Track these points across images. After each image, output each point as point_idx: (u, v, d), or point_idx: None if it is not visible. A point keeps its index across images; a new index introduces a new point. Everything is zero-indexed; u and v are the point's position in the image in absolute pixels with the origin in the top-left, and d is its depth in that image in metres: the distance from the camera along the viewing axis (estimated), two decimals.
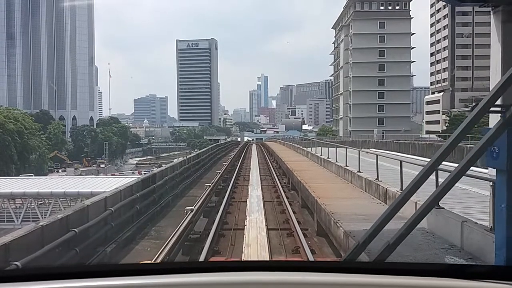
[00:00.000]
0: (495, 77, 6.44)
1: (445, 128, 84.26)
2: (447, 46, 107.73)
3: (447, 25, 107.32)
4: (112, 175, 71.45)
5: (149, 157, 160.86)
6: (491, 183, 8.99)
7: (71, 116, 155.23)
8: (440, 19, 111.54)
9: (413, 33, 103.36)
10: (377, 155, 14.09)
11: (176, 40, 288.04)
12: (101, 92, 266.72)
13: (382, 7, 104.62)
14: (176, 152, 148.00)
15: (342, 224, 8.96)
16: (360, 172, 14.75)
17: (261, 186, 19.52)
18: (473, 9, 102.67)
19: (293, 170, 20.49)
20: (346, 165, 16.89)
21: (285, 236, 11.50)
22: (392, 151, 38.79)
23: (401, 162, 10.90)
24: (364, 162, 15.67)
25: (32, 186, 37.09)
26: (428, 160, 2.12)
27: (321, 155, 23.76)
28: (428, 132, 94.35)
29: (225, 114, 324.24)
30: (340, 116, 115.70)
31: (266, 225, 11.04)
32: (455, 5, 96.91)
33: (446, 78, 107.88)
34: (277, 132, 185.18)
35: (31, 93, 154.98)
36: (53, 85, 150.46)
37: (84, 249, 8.85)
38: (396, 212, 1.92)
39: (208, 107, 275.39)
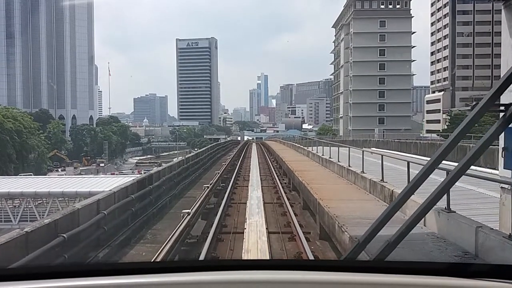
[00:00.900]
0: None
1: (445, 127, 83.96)
2: (447, 45, 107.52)
3: (447, 24, 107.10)
4: (111, 174, 71.12)
5: (149, 156, 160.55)
6: (501, 185, 8.63)
7: (70, 115, 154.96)
8: (440, 18, 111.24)
9: (414, 32, 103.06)
10: (382, 155, 13.58)
11: (176, 39, 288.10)
12: (101, 91, 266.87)
13: (382, 6, 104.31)
14: (176, 151, 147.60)
15: (347, 229, 8.48)
16: (364, 172, 14.27)
17: (261, 186, 19.04)
18: (473, 8, 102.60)
19: (294, 170, 20.02)
20: (349, 165, 16.41)
21: (286, 241, 11.01)
22: (393, 150, 38.33)
23: (408, 162, 10.40)
24: (366, 162, 15.19)
25: (30, 186, 36.67)
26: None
27: (323, 154, 23.30)
28: (428, 131, 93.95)
29: (225, 113, 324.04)
30: (341, 115, 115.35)
31: (266, 228, 10.57)
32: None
33: (447, 77, 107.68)
34: (277, 131, 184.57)
35: (30, 92, 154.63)
36: (52, 84, 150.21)
37: (74, 255, 8.35)
38: (396, 211, 1.90)
39: (208, 106, 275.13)
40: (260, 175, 24.03)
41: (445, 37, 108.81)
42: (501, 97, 1.91)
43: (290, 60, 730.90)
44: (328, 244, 10.49)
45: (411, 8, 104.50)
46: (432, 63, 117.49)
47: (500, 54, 9.96)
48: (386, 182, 11.92)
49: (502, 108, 1.96)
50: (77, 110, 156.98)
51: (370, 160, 16.60)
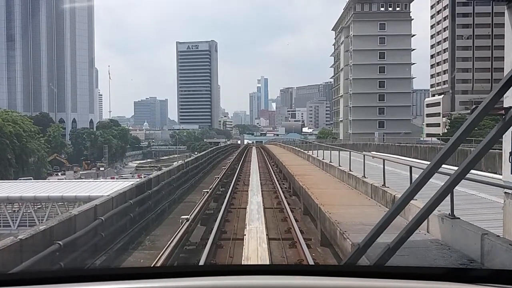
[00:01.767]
0: None
1: (445, 130, 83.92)
2: (447, 48, 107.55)
3: (447, 26, 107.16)
4: (111, 178, 70.91)
5: (149, 160, 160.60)
6: (505, 191, 8.48)
7: (70, 118, 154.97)
8: (440, 20, 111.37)
9: (414, 35, 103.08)
10: (383, 160, 13.41)
11: (176, 42, 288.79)
12: (101, 95, 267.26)
13: (382, 9, 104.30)
14: (176, 155, 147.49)
15: (349, 236, 8.31)
16: (365, 177, 14.10)
17: (262, 191, 18.87)
18: (473, 10, 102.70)
19: (294, 175, 19.85)
20: (350, 170, 16.24)
21: (287, 247, 10.83)
22: (394, 154, 38.17)
23: (410, 167, 10.23)
24: (366, 166, 15.02)
25: (30, 190, 36.52)
26: None
27: (323, 158, 23.14)
28: (428, 135, 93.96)
29: (225, 116, 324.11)
30: (341, 119, 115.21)
31: (266, 235, 10.40)
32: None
33: (447, 80, 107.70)
34: (277, 135, 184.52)
35: (31, 96, 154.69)
36: (53, 87, 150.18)
37: (70, 262, 8.18)
38: (396, 216, 1.89)
39: (208, 110, 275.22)
40: (260, 180, 23.87)
41: (445, 40, 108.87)
42: (500, 100, 1.91)
43: (290, 63, 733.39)
44: (330, 250, 10.32)
45: (411, 10, 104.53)
46: (432, 66, 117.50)
47: (501, 57, 9.77)
48: (388, 187, 11.75)
49: (502, 111, 1.96)
50: (77, 114, 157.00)
51: (371, 164, 16.44)
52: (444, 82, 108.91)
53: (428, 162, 2.04)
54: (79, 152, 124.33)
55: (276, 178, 25.84)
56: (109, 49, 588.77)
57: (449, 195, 6.98)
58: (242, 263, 8.19)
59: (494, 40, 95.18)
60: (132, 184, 14.34)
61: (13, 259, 6.68)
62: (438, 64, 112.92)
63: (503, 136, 6.76)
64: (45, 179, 69.12)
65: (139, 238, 12.58)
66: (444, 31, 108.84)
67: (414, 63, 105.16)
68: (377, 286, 1.38)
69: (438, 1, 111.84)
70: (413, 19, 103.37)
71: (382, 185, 11.97)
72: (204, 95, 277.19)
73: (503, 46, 8.42)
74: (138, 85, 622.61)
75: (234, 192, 20.72)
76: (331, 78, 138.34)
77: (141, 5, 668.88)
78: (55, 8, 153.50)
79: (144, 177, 29.42)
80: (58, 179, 72.58)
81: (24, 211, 35.63)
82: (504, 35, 8.39)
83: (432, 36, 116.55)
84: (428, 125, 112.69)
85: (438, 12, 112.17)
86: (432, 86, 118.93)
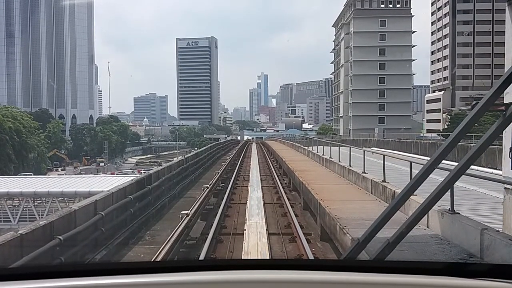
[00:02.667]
0: None
1: (445, 126, 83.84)
2: (448, 45, 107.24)
3: (448, 23, 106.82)
4: (111, 174, 70.97)
5: (149, 155, 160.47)
6: (505, 186, 8.49)
7: (70, 114, 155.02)
8: (441, 17, 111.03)
9: (414, 31, 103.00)
10: (384, 155, 13.42)
11: (176, 38, 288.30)
12: (101, 91, 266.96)
13: (382, 5, 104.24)
14: (176, 151, 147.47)
15: (349, 230, 8.32)
16: (365, 172, 14.10)
17: (261, 187, 18.87)
18: (474, 7, 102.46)
19: (294, 170, 19.87)
20: (350, 165, 16.25)
21: (287, 242, 10.85)
22: (394, 150, 38.20)
23: (410, 163, 10.24)
24: (366, 162, 15.03)
25: (30, 186, 36.54)
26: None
27: (323, 154, 23.15)
28: (428, 131, 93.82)
29: (225, 112, 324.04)
30: (341, 115, 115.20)
31: (266, 230, 10.41)
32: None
33: (447, 76, 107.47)
34: (277, 130, 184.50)
35: (30, 92, 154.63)
36: (52, 83, 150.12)
37: (71, 257, 8.20)
38: (396, 211, 1.89)
39: (208, 106, 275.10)
40: (260, 175, 23.86)
41: (445, 36, 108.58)
42: (501, 96, 1.91)
43: (290, 60, 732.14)
44: (329, 245, 10.34)
45: (411, 7, 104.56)
46: (432, 62, 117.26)
47: (501, 53, 9.72)
48: (387, 182, 11.76)
49: (502, 107, 1.96)
50: (77, 110, 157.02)
51: (371, 160, 16.45)
52: (445, 79, 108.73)
53: (428, 158, 2.04)
54: (79, 147, 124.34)
55: (276, 173, 25.83)
56: (109, 45, 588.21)
57: (449, 190, 7.00)
58: (242, 258, 8.22)
59: (495, 36, 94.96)
60: (132, 180, 14.36)
61: (13, 254, 6.69)
62: (438, 60, 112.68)
63: (503, 132, 6.77)
64: (45, 175, 69.21)
65: (139, 233, 12.61)
66: (445, 27, 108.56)
67: (414, 60, 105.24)
68: (377, 280, 1.38)
69: None
70: (413, 15, 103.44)
71: (382, 181, 11.98)
72: (204, 91, 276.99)
73: (504, 42, 8.41)
74: (138, 81, 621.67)
75: (234, 187, 20.72)
76: (331, 74, 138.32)
77: (141, 2, 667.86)
78: (54, 5, 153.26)
79: (144, 172, 29.45)
80: (58, 174, 72.64)
81: (24, 206, 35.65)
82: (504, 31, 8.38)
83: (432, 33, 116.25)
84: (428, 121, 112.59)
85: (439, 9, 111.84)
86: (432, 82, 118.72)
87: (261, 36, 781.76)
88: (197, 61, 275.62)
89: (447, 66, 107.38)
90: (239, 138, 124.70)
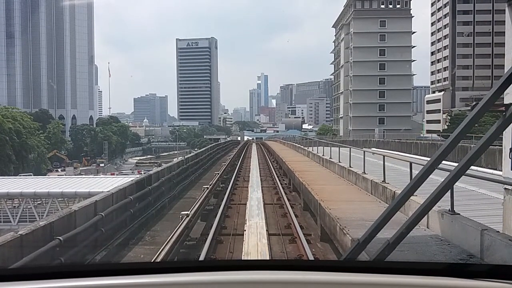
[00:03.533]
0: None
1: (445, 127, 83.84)
2: (448, 45, 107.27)
3: (447, 23, 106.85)
4: (111, 174, 70.91)
5: (149, 156, 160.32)
6: (505, 186, 8.48)
7: (70, 115, 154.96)
8: (441, 17, 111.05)
9: (414, 32, 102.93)
10: (384, 156, 13.41)
11: (176, 39, 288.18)
12: (101, 91, 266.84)
13: (382, 6, 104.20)
14: (176, 152, 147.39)
15: (349, 231, 8.32)
16: (365, 173, 14.10)
17: (262, 187, 18.87)
18: (474, 8, 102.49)
19: (294, 171, 19.86)
20: (350, 166, 16.24)
21: (287, 243, 10.84)
22: (394, 150, 38.17)
23: (410, 163, 10.24)
24: (366, 162, 15.02)
25: (30, 186, 36.52)
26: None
27: (323, 155, 23.14)
28: (428, 132, 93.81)
29: (225, 113, 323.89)
30: (341, 115, 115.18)
31: (266, 230, 10.40)
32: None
33: (447, 77, 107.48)
34: (277, 131, 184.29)
35: (30, 92, 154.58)
36: (52, 84, 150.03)
37: (71, 257, 8.20)
38: (396, 212, 1.89)
39: (208, 106, 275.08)
40: (260, 176, 23.86)
41: (445, 37, 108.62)
42: (501, 97, 1.91)
43: (290, 60, 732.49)
44: (329, 246, 10.33)
45: (411, 8, 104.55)
46: (432, 63, 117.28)
47: (501, 54, 9.73)
48: (387, 183, 11.75)
49: (502, 108, 1.94)
50: (77, 110, 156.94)
51: (371, 160, 16.44)
52: (445, 79, 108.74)
53: (428, 159, 2.04)
54: (79, 148, 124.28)
55: (276, 174, 25.82)
56: (109, 46, 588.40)
57: (449, 191, 6.99)
58: (242, 259, 8.22)
59: (495, 37, 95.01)
60: (132, 180, 14.35)
61: (13, 255, 6.69)
62: (438, 61, 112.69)
63: (503, 132, 6.76)
64: (45, 175, 69.16)
65: (139, 234, 12.61)
66: (445, 28, 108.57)
67: (414, 60, 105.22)
68: (377, 281, 1.38)
69: None
70: (413, 16, 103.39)
71: (382, 181, 11.98)
72: (204, 91, 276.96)
73: (504, 43, 8.40)
74: (138, 81, 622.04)
75: (234, 188, 20.71)
76: (331, 75, 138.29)
77: (141, 2, 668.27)
78: (54, 5, 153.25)
79: (144, 173, 29.44)
80: (58, 175, 72.60)
81: (24, 207, 35.62)
82: (504, 32, 8.38)
83: (432, 33, 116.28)
84: (428, 121, 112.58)
85: (439, 10, 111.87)
86: (432, 83, 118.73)
87: (261, 36, 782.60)
88: (197, 61, 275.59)
89: (447, 66, 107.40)
90: (239, 138, 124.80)
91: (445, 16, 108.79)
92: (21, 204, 36.04)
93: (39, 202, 37.10)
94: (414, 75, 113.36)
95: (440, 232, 7.90)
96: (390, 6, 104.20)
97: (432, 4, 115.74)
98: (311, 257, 9.00)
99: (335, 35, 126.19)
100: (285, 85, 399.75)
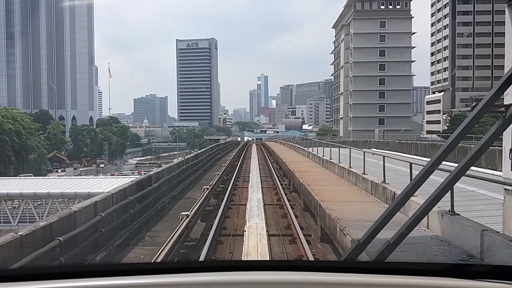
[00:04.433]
0: None
1: (445, 128, 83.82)
2: (447, 46, 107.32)
3: (447, 24, 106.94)
4: (111, 175, 70.92)
5: (149, 157, 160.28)
6: (505, 187, 8.48)
7: (70, 116, 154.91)
8: (440, 18, 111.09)
9: (414, 33, 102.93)
10: (383, 157, 13.41)
11: (176, 40, 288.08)
12: (101, 92, 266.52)
13: (382, 7, 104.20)
14: (176, 152, 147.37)
15: (349, 232, 8.32)
16: (365, 174, 14.10)
17: (262, 188, 18.86)
18: (474, 8, 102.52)
19: (294, 172, 19.85)
20: (350, 167, 16.24)
21: (287, 243, 10.84)
22: (394, 151, 38.16)
23: (410, 164, 10.24)
24: (366, 163, 15.01)
25: (30, 187, 36.54)
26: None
27: (323, 155, 23.13)
28: (428, 132, 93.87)
29: (225, 114, 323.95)
30: (341, 116, 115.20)
31: (266, 231, 10.40)
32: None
33: (447, 77, 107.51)
34: (277, 132, 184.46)
35: (30, 93, 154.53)
36: (52, 84, 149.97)
37: (71, 258, 8.19)
38: (396, 212, 1.89)
39: (208, 107, 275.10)
40: (260, 176, 23.84)
41: (445, 37, 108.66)
42: (501, 97, 1.92)
43: (290, 61, 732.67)
44: (330, 246, 10.33)
45: (411, 8, 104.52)
46: (432, 63, 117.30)
47: (501, 54, 9.73)
48: (388, 183, 11.75)
49: (502, 109, 1.96)
50: (77, 111, 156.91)
51: (371, 161, 16.44)
52: (445, 80, 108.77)
53: (428, 159, 2.05)
54: (79, 149, 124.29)
55: (276, 174, 25.81)
56: (109, 46, 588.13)
57: (449, 191, 6.99)
58: (242, 259, 8.21)
59: (495, 38, 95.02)
60: (132, 181, 14.35)
61: (13, 255, 6.69)
62: (438, 61, 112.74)
63: (503, 133, 6.77)
64: (45, 176, 69.19)
65: (139, 234, 12.60)
66: (445, 29, 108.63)
67: (414, 61, 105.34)
68: (377, 281, 1.38)
69: None
70: (413, 17, 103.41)
71: (382, 182, 11.98)
72: (204, 92, 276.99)
73: (504, 44, 8.41)
74: (138, 82, 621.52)
75: (234, 188, 20.70)
76: (331, 75, 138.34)
77: (140, 3, 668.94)
78: (54, 6, 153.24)
79: (144, 173, 29.45)
80: (58, 175, 72.62)
81: (24, 207, 35.65)
82: (504, 33, 8.38)
83: (432, 34, 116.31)
84: (428, 122, 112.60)
85: (439, 10, 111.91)
86: (432, 83, 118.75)
87: (261, 37, 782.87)
88: (197, 62, 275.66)
89: (447, 67, 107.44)
90: (239, 139, 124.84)
91: (445, 17, 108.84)
92: (21, 204, 36.07)
93: (39, 202, 37.11)
94: (414, 75, 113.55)
95: (440, 232, 7.89)
96: (390, 7, 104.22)
97: (432, 5, 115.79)
98: (311, 258, 9.01)
99: (335, 36, 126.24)
100: (285, 85, 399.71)
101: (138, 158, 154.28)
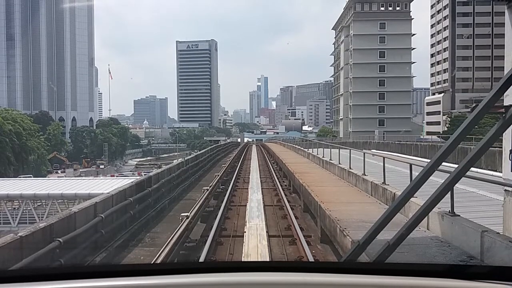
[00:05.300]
0: None
1: (445, 129, 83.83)
2: (447, 47, 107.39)
3: (447, 26, 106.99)
4: (111, 176, 70.89)
5: (149, 158, 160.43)
6: (505, 188, 8.48)
7: (70, 117, 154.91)
8: (440, 20, 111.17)
9: (414, 34, 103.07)
10: (384, 158, 13.40)
11: (176, 41, 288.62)
12: (101, 93, 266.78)
13: (382, 8, 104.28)
14: (176, 153, 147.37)
15: (349, 233, 8.31)
16: (365, 175, 14.09)
17: (262, 189, 18.86)
18: (473, 10, 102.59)
19: (294, 173, 19.84)
20: (350, 168, 16.23)
21: (287, 244, 10.83)
22: (394, 152, 38.15)
23: (410, 165, 10.23)
24: (366, 164, 15.00)
25: (30, 188, 36.48)
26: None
27: (323, 156, 23.13)
28: (428, 133, 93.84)
29: (225, 115, 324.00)
30: (341, 117, 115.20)
31: (266, 232, 10.39)
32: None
33: (447, 79, 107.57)
34: (277, 133, 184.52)
35: (30, 94, 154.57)
36: (52, 86, 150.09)
37: (70, 259, 8.19)
38: (396, 213, 1.89)
39: (208, 108, 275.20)
40: (260, 177, 23.84)
41: (445, 39, 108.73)
42: (501, 99, 1.92)
43: (290, 62, 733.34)
44: (330, 248, 10.32)
45: (411, 10, 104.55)
46: (432, 65, 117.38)
47: (501, 56, 9.73)
48: (388, 184, 11.74)
49: (502, 110, 1.98)
50: (77, 112, 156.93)
51: (371, 162, 16.43)
52: (445, 81, 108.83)
53: (428, 160, 2.05)
54: (79, 150, 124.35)
55: (276, 175, 25.81)
56: (109, 48, 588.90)
57: (449, 192, 6.99)
58: (242, 260, 8.21)
59: (494, 39, 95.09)
60: (132, 182, 14.34)
61: (13, 256, 6.68)
62: (438, 63, 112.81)
63: (503, 134, 6.77)
64: (45, 177, 69.16)
65: (139, 235, 12.59)
66: (444, 30, 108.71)
67: (414, 62, 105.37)
68: (377, 282, 1.38)
69: (438, 1, 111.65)
70: (413, 18, 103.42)
71: (382, 183, 11.97)
72: (204, 93, 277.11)
73: (503, 45, 8.41)
74: (138, 83, 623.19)
75: (234, 189, 20.70)
76: (331, 76, 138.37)
77: (141, 4, 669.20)
78: (54, 7, 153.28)
79: (144, 174, 29.43)
80: (58, 177, 72.61)
81: (24, 208, 35.57)
82: (504, 34, 8.39)
83: (432, 35, 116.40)
84: (428, 123, 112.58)
85: (438, 12, 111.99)
86: (432, 84, 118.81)
87: (261, 38, 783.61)
88: (197, 63, 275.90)
89: (447, 68, 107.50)
90: (239, 140, 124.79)
91: (444, 18, 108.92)
92: (21, 205, 36.00)
93: (39, 203, 37.04)
94: (414, 77, 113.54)
95: (440, 233, 7.89)
96: (390, 8, 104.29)
97: (432, 7, 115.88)
98: (311, 259, 9.00)
99: (335, 37, 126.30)
100: (285, 87, 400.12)
101: (138, 159, 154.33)
